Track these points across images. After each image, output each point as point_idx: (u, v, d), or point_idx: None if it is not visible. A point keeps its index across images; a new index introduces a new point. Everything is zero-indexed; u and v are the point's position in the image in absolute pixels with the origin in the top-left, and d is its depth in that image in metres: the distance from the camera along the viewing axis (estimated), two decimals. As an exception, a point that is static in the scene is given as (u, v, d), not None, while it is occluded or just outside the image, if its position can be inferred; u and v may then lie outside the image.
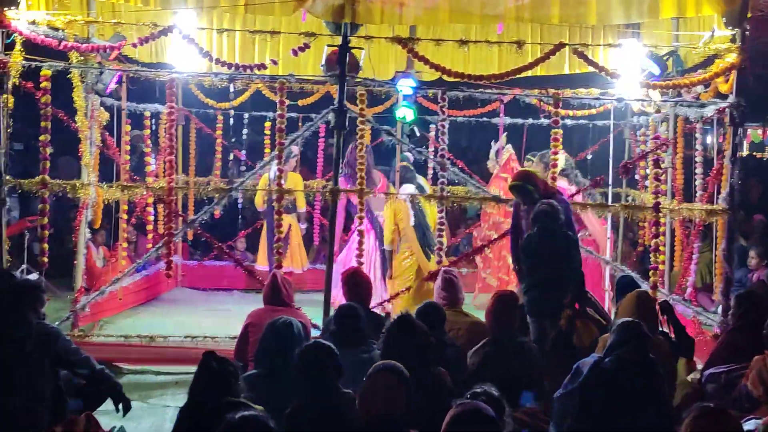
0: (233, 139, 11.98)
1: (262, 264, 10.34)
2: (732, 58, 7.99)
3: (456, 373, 5.68)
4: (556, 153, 8.27)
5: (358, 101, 8.09)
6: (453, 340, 6.25)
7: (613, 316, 6.36)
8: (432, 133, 10.63)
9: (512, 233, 7.56)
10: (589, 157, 10.19)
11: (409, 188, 9.19)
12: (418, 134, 8.48)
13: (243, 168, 11.46)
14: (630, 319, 5.28)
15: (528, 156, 10.41)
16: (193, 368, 4.61)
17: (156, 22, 8.03)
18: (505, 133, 10.14)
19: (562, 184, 8.91)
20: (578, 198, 8.85)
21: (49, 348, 5.50)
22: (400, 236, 8.96)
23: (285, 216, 9.98)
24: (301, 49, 7.94)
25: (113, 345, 8.01)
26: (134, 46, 8.12)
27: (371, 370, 4.57)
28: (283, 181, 8.91)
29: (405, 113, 8.57)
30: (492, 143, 10.06)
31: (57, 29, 8.04)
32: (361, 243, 8.04)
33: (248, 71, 8.11)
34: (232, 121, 11.45)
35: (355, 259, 8.11)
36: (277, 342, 5.43)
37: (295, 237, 10.45)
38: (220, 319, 9.46)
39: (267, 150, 11.20)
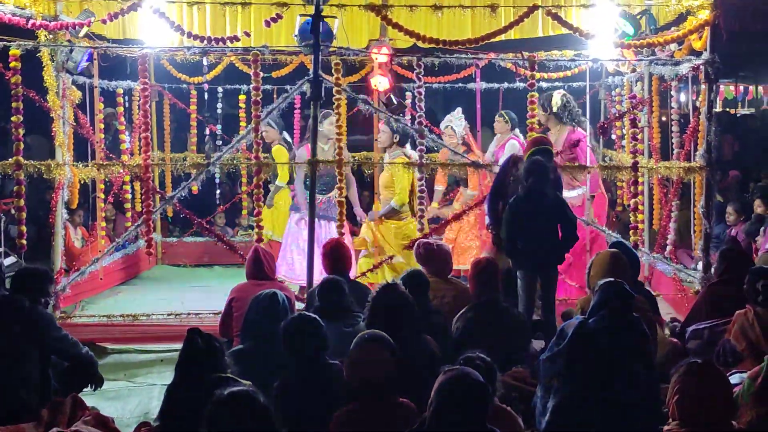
0: (207, 114, 11.83)
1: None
2: (705, 14, 7.97)
3: (442, 340, 5.71)
4: (533, 116, 8.24)
5: (333, 71, 8.02)
6: (437, 308, 6.27)
7: (586, 276, 6.37)
8: (408, 101, 10.57)
9: (493, 193, 7.55)
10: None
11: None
12: (395, 102, 8.41)
13: (219, 142, 11.33)
14: (612, 279, 5.30)
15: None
16: (178, 345, 4.61)
17: (123, -4, 7.92)
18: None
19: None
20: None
21: (39, 334, 5.49)
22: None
23: None
24: (274, 20, 7.85)
25: (96, 325, 7.94)
26: (104, 22, 7.97)
27: (356, 341, 4.58)
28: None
29: (380, 81, 8.53)
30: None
31: (24, 7, 7.91)
32: (342, 214, 8.00)
33: (221, 44, 7.99)
34: (206, 95, 11.32)
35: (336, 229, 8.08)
36: (262, 315, 5.43)
37: None
38: (202, 295, 9.41)
39: (243, 123, 11.11)
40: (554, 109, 8.99)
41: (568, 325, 5.27)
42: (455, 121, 9.54)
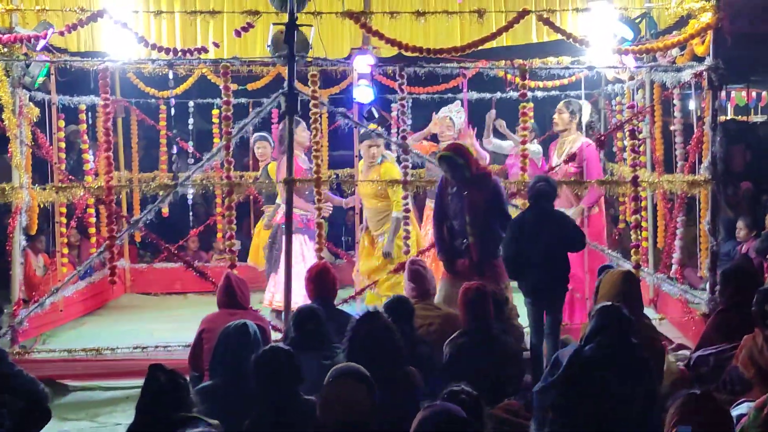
0: (174, 130, 11.80)
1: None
2: (707, 17, 8.00)
3: (427, 371, 5.69)
4: (525, 128, 8.25)
5: (309, 82, 8.02)
6: (423, 336, 6.25)
7: (593, 300, 6.37)
8: (394, 113, 10.57)
9: (436, 218, 7.64)
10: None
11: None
12: (376, 115, 8.42)
13: (191, 161, 11.31)
14: (609, 302, 5.29)
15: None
16: (145, 381, 4.57)
17: (83, 6, 7.92)
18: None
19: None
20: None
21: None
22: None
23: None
24: (245, 30, 7.87)
25: (56, 361, 7.87)
26: (61, 34, 7.97)
27: (329, 376, 4.55)
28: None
29: (363, 93, 8.54)
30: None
31: (-24, 21, 7.93)
32: (320, 236, 7.99)
33: (188, 56, 7.99)
34: (173, 111, 11.28)
35: (315, 254, 8.08)
36: (231, 348, 5.39)
37: None
38: (173, 326, 9.35)
39: (216, 140, 11.10)
40: (582, 119, 9.02)
41: (563, 354, 5.26)
42: (454, 113, 9.59)
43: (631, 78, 9.70)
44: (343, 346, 5.54)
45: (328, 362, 5.48)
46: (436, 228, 7.62)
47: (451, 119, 9.50)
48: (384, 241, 8.74)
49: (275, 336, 7.19)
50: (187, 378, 4.80)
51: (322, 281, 6.73)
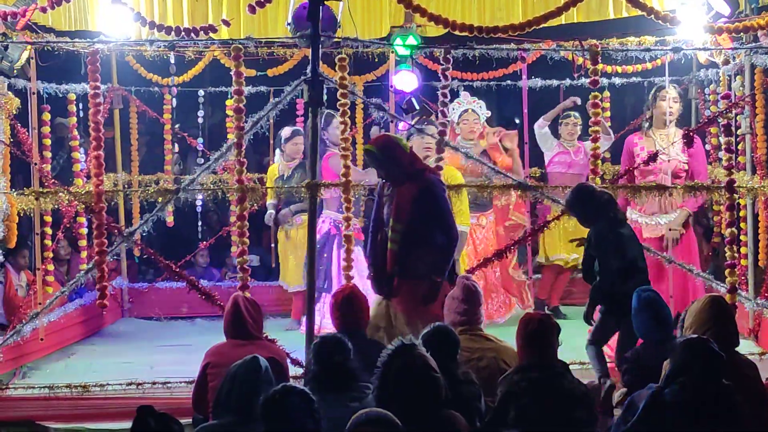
0: (177, 125, 11.83)
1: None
2: (820, -13, 7.91)
3: (473, 415, 5.66)
4: (597, 122, 8.17)
5: (337, 67, 7.99)
6: (469, 374, 6.16)
7: (679, 331, 6.26)
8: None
9: (372, 225, 7.66)
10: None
11: None
12: (417, 107, 8.37)
13: (201, 160, 11.32)
14: (695, 336, 5.19)
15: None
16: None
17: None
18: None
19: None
20: None
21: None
22: None
23: None
24: (260, 5, 7.84)
25: (36, 399, 7.88)
26: (43, 10, 7.99)
27: (351, 424, 4.51)
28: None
29: (404, 80, 8.52)
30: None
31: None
32: (348, 251, 7.96)
33: (193, 36, 7.97)
34: (175, 102, 11.32)
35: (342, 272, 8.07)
36: (237, 389, 5.35)
37: None
38: (178, 357, 9.39)
39: (231, 136, 11.10)
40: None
41: (639, 396, 5.21)
42: (474, 105, 9.60)
43: (727, 62, 9.53)
44: (373, 385, 5.49)
45: (355, 405, 5.45)
46: (370, 235, 7.65)
47: (474, 110, 9.55)
48: None
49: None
50: (182, 423, 4.77)
51: (350, 308, 6.70)
